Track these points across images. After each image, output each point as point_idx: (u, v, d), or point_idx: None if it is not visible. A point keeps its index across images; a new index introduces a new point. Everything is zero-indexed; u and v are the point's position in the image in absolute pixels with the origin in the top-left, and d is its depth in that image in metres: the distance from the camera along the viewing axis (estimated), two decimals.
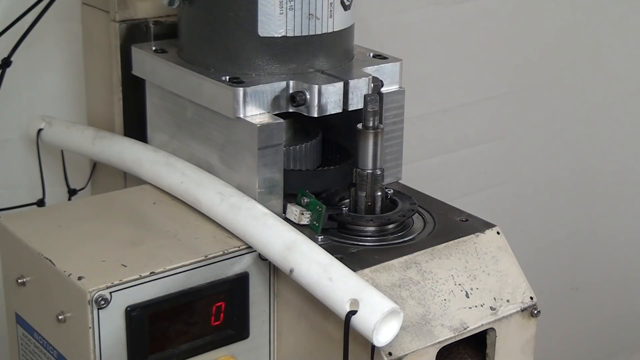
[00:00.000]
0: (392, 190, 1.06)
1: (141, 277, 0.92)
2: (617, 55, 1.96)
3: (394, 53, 1.14)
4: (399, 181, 1.13)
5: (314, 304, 0.94)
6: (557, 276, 2.06)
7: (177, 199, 1.06)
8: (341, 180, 1.08)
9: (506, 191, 1.89)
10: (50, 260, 0.94)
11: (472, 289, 0.98)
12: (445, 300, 0.96)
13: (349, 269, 0.91)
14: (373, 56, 1.13)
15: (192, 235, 1.00)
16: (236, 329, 1.00)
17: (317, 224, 1.00)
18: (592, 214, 2.07)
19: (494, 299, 0.99)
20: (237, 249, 0.98)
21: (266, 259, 0.98)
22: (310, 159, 1.09)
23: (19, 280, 1.01)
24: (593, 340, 2.20)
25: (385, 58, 1.13)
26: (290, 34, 1.04)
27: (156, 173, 1.08)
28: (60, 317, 0.94)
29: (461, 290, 0.97)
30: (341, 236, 1.01)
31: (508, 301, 0.99)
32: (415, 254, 0.98)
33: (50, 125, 1.25)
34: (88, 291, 0.89)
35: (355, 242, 1.00)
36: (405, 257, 0.97)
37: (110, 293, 0.90)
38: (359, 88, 1.04)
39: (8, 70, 1.23)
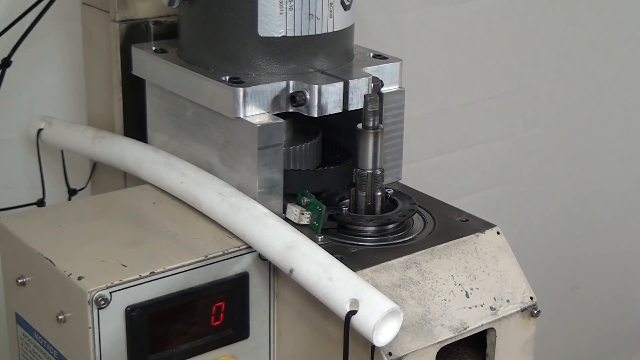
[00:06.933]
0: (392, 190, 1.06)
1: (141, 277, 0.92)
2: (618, 54, 1.96)
3: (394, 53, 1.14)
4: (399, 181, 1.13)
5: (314, 304, 0.94)
6: (557, 276, 2.06)
7: (177, 199, 1.06)
8: (341, 180, 1.08)
9: (506, 191, 1.89)
10: (50, 260, 0.94)
11: (472, 289, 0.98)
12: (445, 300, 0.96)
13: (349, 269, 0.91)
14: (373, 56, 1.13)
15: (192, 235, 1.00)
16: (236, 329, 1.00)
17: (317, 224, 1.00)
18: (592, 213, 2.07)
19: (494, 299, 0.99)
20: (237, 249, 0.98)
21: (266, 259, 0.98)
22: (310, 159, 1.09)
23: (19, 280, 1.01)
24: (593, 340, 2.20)
25: (385, 58, 1.13)
26: (290, 34, 1.04)
27: (156, 173, 1.08)
28: (60, 317, 0.94)
29: (461, 290, 0.97)
30: (341, 236, 1.01)
31: (508, 301, 0.99)
32: (415, 254, 0.98)
33: (50, 125, 1.25)
34: (88, 291, 0.89)
35: (355, 242, 1.00)
36: (405, 257, 0.97)
37: (110, 293, 0.90)
38: (359, 88, 1.04)
39: (8, 70, 1.23)
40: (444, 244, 1.00)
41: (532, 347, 1.03)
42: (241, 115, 1.00)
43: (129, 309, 0.92)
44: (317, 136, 1.11)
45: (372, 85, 1.05)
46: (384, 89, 1.09)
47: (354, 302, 0.87)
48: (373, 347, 0.88)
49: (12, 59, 1.22)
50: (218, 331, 0.98)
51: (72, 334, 0.93)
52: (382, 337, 0.86)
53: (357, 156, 1.02)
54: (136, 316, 0.92)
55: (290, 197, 1.03)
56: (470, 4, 1.70)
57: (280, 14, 1.03)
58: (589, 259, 2.10)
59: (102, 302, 0.90)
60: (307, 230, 1.00)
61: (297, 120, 1.09)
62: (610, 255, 2.13)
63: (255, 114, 1.01)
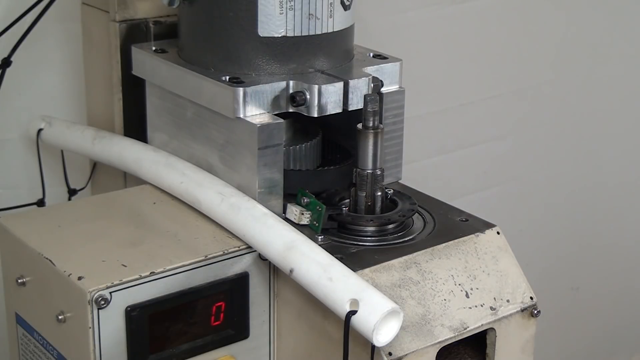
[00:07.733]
0: (392, 190, 1.06)
1: (141, 277, 0.92)
2: (617, 54, 1.96)
3: (394, 53, 1.14)
4: (399, 181, 1.13)
5: (314, 304, 0.94)
6: (557, 276, 2.06)
7: (177, 199, 1.06)
8: (341, 180, 1.08)
9: (506, 191, 1.89)
10: (50, 260, 0.94)
11: (472, 289, 0.98)
12: (445, 300, 0.96)
13: (349, 269, 0.91)
14: (373, 56, 1.13)
15: (192, 235, 1.00)
16: (236, 329, 1.00)
17: (317, 224, 1.00)
18: (592, 213, 2.07)
19: (494, 299, 0.99)
20: (237, 249, 0.98)
21: (266, 259, 0.98)
22: (310, 159, 1.09)
23: (19, 280, 1.01)
24: (593, 340, 2.20)
25: (385, 58, 1.13)
26: (290, 34, 1.04)
27: (156, 173, 1.08)
28: (60, 317, 0.94)
29: (461, 290, 0.97)
30: (341, 236, 1.01)
31: (508, 301, 0.99)
32: (415, 254, 0.98)
33: (50, 125, 1.25)
34: (88, 291, 0.89)
35: (355, 242, 1.00)
36: (405, 257, 0.97)
37: (110, 293, 0.90)
38: (359, 88, 1.04)
39: (8, 70, 1.23)
40: (444, 244, 1.00)
41: (532, 347, 1.03)
42: (241, 115, 1.00)
43: (129, 309, 0.92)
44: (317, 136, 1.11)
45: (372, 85, 1.05)
46: (384, 89, 1.09)
47: (354, 302, 0.87)
48: (373, 347, 0.88)
49: (12, 59, 1.22)
50: (218, 331, 0.98)
51: (72, 334, 0.93)
52: (382, 337, 0.86)
53: (357, 156, 1.02)
54: (136, 316, 0.92)
55: (290, 197, 1.03)
56: (470, 4, 1.70)
57: (280, 14, 1.03)
58: (589, 259, 2.10)
59: (102, 302, 0.90)
60: (307, 230, 1.00)
61: (297, 120, 1.09)
62: (610, 255, 2.13)
63: (255, 114, 1.01)
